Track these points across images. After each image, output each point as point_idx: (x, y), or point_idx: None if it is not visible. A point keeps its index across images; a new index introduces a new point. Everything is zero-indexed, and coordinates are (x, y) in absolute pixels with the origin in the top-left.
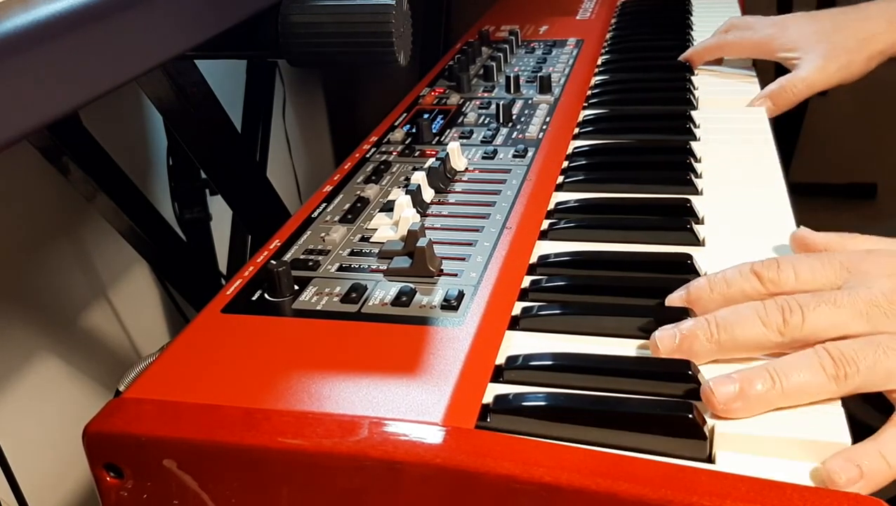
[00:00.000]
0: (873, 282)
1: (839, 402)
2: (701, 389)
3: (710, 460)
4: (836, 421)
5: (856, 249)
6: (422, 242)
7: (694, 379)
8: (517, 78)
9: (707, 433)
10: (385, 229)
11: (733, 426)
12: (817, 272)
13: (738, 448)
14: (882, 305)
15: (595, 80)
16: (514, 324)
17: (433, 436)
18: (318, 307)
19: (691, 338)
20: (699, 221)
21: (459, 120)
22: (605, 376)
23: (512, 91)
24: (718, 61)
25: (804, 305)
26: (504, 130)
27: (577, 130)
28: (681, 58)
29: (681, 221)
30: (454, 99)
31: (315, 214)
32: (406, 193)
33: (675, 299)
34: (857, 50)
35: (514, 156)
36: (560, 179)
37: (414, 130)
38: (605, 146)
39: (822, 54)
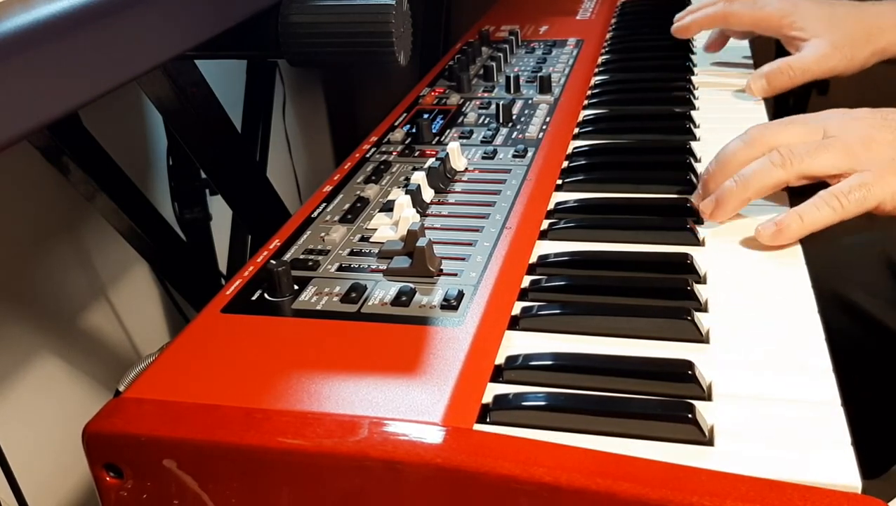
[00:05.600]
0: (827, 118)
1: (840, 406)
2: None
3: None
4: (836, 423)
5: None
6: (421, 242)
7: (694, 379)
8: (517, 78)
9: (707, 433)
10: (385, 229)
11: (733, 427)
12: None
13: (738, 447)
14: (832, 126)
15: (595, 80)
16: (514, 324)
17: (433, 436)
18: (318, 307)
19: (706, 175)
20: (699, 221)
21: (459, 120)
22: (605, 376)
23: (512, 91)
24: (721, 42)
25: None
26: (504, 130)
27: (577, 130)
28: (676, 27)
29: (681, 221)
30: (454, 99)
31: (315, 214)
32: (406, 193)
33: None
34: (862, 44)
35: (514, 156)
36: (560, 179)
37: (414, 130)
38: (605, 146)
39: (829, 42)
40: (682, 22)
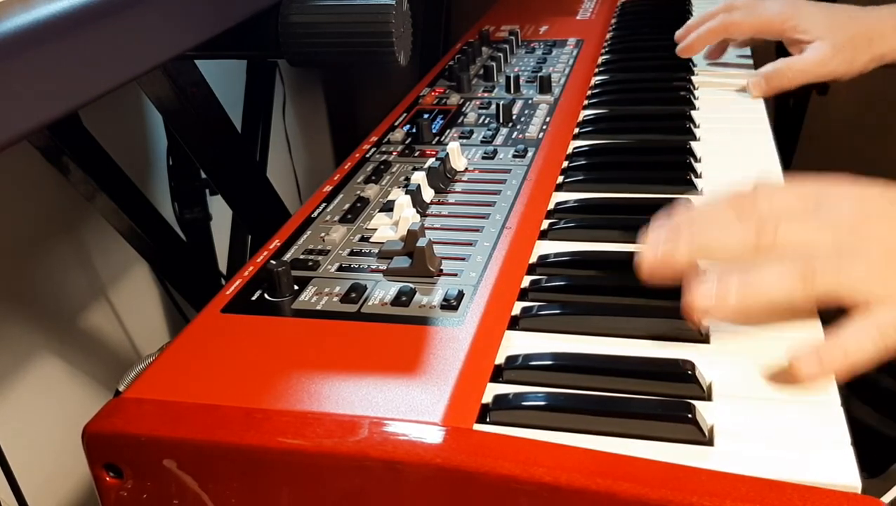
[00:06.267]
0: (838, 206)
1: (840, 406)
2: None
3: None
4: (836, 423)
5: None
6: (421, 242)
7: (694, 379)
8: (517, 78)
9: (707, 433)
10: (385, 229)
11: (733, 427)
12: (787, 197)
13: (738, 447)
14: (845, 224)
15: (595, 80)
16: (514, 324)
17: (433, 436)
18: (318, 307)
19: (675, 244)
20: None
21: (459, 120)
22: (604, 376)
23: (512, 91)
24: (720, 50)
25: (776, 220)
26: (504, 130)
27: (577, 130)
28: (681, 47)
29: None
30: (454, 99)
31: (315, 214)
32: (406, 193)
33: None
34: (863, 48)
35: (514, 156)
36: (560, 179)
37: (414, 130)
38: (605, 146)
39: (831, 44)
40: (685, 42)
